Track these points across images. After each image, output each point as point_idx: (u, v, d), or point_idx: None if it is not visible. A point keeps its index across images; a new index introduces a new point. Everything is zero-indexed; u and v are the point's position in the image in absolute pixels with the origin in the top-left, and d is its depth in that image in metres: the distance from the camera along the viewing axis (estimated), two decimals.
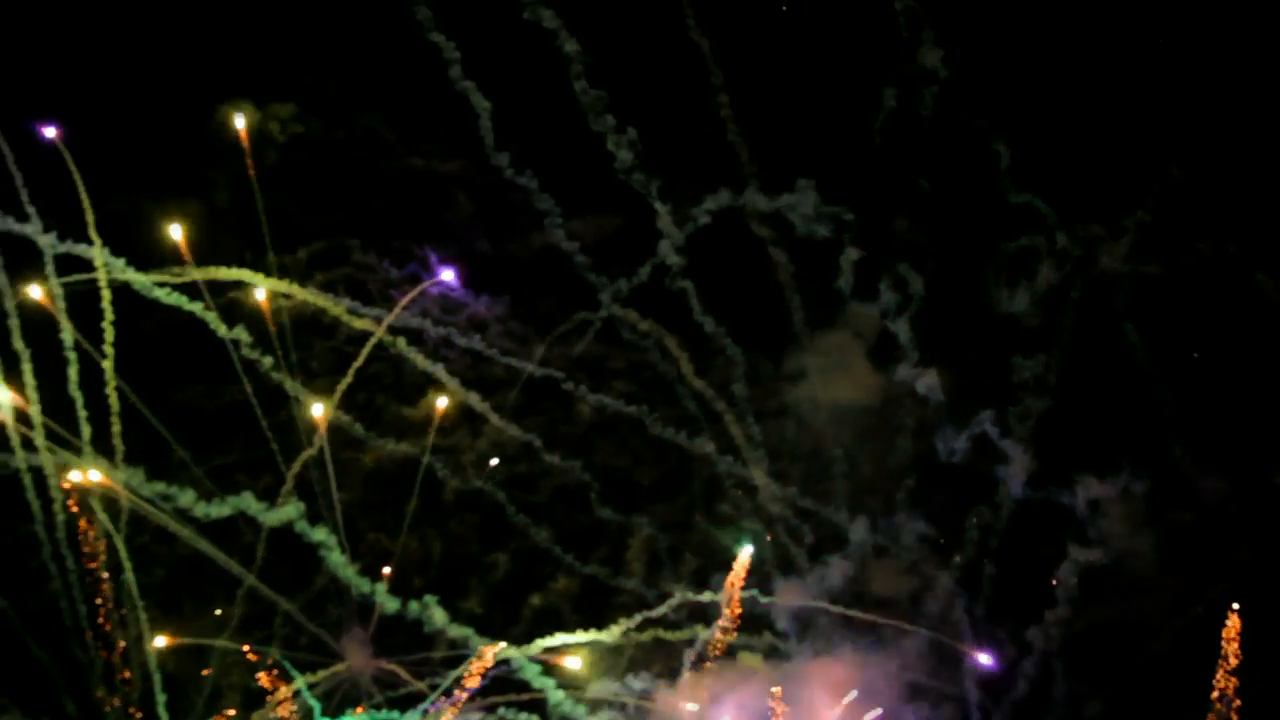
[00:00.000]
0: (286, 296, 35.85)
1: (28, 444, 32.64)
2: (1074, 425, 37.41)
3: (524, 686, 35.52)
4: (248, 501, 33.39)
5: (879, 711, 35.62)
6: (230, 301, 35.61)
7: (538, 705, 35.50)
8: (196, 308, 34.82)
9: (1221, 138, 36.14)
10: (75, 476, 32.70)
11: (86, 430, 33.67)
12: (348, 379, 35.93)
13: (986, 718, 37.26)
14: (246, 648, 36.02)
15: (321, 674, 35.78)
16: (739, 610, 35.76)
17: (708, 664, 36.02)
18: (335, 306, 36.33)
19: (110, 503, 34.10)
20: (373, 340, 36.12)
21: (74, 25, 34.53)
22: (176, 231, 34.25)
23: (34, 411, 32.81)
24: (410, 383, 37.38)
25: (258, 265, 35.41)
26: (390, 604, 34.72)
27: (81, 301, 33.80)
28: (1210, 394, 37.14)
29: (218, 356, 35.50)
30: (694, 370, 37.84)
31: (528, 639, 35.09)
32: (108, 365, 33.93)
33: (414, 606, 34.70)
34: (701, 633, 36.38)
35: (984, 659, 36.61)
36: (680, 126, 36.79)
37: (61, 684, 34.84)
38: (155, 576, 35.47)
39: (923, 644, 36.55)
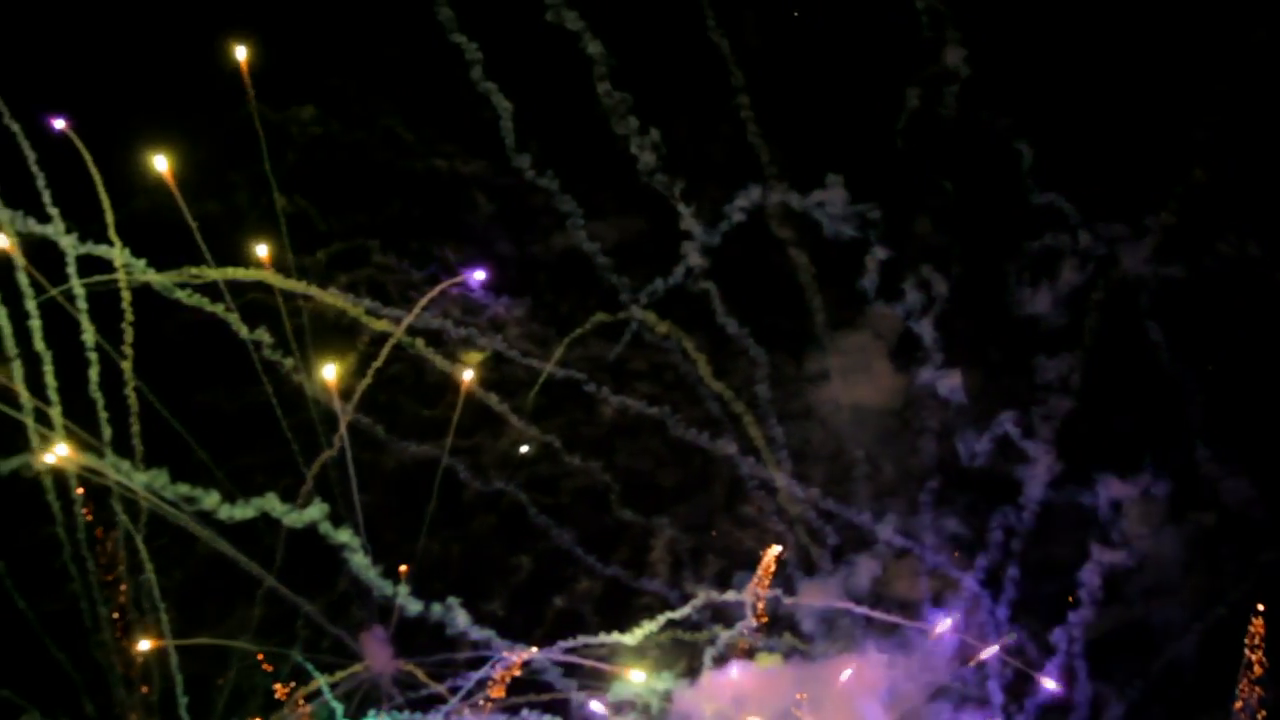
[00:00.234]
0: (306, 298, 35.83)
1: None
2: (1097, 426, 37.35)
3: (546, 687, 35.58)
4: (272, 503, 33.27)
5: (902, 712, 35.67)
6: (250, 302, 35.60)
7: (559, 706, 35.61)
8: (218, 309, 34.81)
9: (1245, 138, 36.04)
10: (50, 459, 32.26)
11: (107, 431, 33.72)
12: (367, 379, 35.92)
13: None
14: (261, 656, 36.07)
15: (339, 674, 35.80)
16: (763, 612, 35.81)
17: (730, 664, 36.05)
18: (355, 308, 36.28)
19: (130, 504, 34.17)
20: (392, 340, 36.11)
21: (92, 25, 34.51)
22: (161, 163, 33.59)
23: (55, 413, 32.78)
24: (431, 383, 37.39)
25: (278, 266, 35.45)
26: (413, 606, 34.66)
27: (102, 302, 33.87)
28: (1234, 395, 37.06)
29: (237, 356, 35.55)
30: (717, 371, 37.84)
31: (550, 641, 35.12)
32: (126, 366, 33.92)
33: (436, 608, 34.68)
34: (723, 633, 36.40)
35: (1048, 684, 36.41)
36: (701, 128, 36.77)
37: (81, 685, 34.84)
38: (174, 578, 35.50)
39: (947, 646, 36.53)
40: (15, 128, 32.26)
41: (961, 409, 37.59)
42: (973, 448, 37.57)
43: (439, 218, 37.61)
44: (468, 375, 36.53)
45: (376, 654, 35.91)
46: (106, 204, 33.38)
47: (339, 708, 35.12)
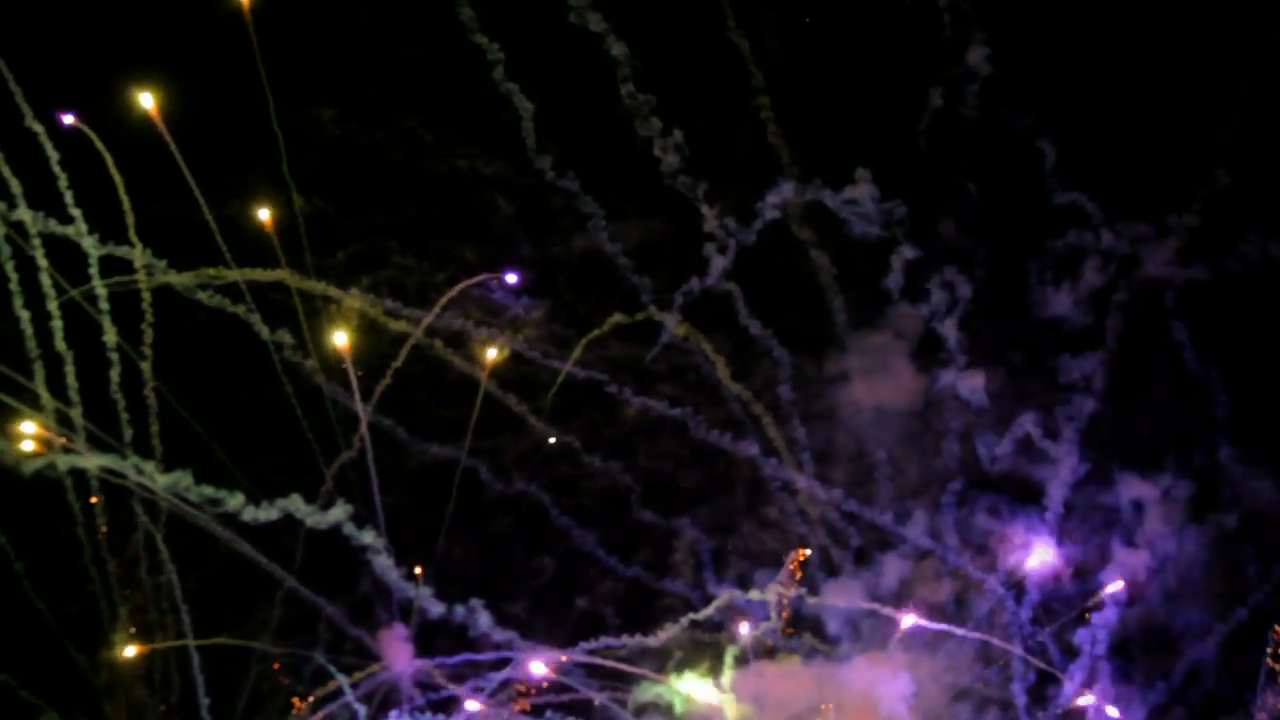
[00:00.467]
0: (325, 299, 35.79)
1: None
2: (1120, 427, 37.29)
3: (566, 687, 35.56)
4: (296, 504, 33.18)
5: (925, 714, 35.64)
6: (271, 302, 35.57)
7: (582, 707, 35.58)
8: (239, 309, 34.79)
9: (1269, 139, 35.97)
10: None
11: (128, 432, 33.71)
12: (387, 380, 35.89)
13: None
14: (277, 665, 36.06)
15: (358, 675, 35.76)
16: (788, 613, 35.81)
17: (752, 665, 36.02)
18: (374, 308, 36.24)
19: (150, 505, 34.17)
20: (411, 340, 36.07)
21: (111, 25, 34.46)
22: (147, 100, 32.65)
23: (75, 414, 32.77)
24: (451, 383, 37.33)
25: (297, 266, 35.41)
26: (435, 607, 34.62)
27: (124, 302, 33.85)
28: (1257, 396, 36.99)
29: (257, 357, 35.53)
30: (739, 372, 37.79)
31: (572, 643, 35.11)
32: (146, 367, 33.91)
33: (459, 609, 34.63)
34: (745, 634, 36.37)
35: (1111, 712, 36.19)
36: (723, 129, 36.71)
37: (100, 687, 34.82)
38: (193, 580, 35.48)
39: (970, 648, 36.51)
40: (38, 129, 32.21)
41: (983, 410, 37.56)
42: (994, 449, 37.52)
43: (460, 219, 37.57)
44: (491, 354, 36.40)
45: (396, 654, 35.86)
46: (127, 205, 33.37)
47: (361, 710, 35.07)
